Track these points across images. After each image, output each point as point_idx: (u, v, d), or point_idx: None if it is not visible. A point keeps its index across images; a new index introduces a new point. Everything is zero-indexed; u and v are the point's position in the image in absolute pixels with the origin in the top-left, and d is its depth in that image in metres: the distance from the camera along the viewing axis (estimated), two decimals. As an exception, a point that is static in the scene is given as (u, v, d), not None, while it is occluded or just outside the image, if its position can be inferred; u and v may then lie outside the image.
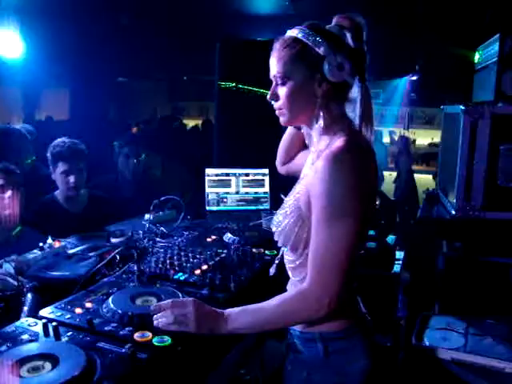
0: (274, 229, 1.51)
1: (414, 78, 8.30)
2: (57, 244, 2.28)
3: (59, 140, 2.92)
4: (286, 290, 1.55)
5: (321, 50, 1.35)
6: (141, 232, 2.53)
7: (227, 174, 3.16)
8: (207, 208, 3.11)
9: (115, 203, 3.21)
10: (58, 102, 9.78)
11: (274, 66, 1.43)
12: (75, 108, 9.06)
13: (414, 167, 7.75)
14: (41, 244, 2.20)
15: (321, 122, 1.40)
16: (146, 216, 2.72)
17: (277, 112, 1.48)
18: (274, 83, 1.45)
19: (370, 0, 4.53)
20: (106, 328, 1.41)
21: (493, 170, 2.49)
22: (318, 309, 1.33)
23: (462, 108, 2.51)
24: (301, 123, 1.51)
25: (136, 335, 1.37)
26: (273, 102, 1.47)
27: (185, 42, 6.88)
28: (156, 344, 1.34)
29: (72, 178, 2.85)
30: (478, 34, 3.04)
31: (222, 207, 3.13)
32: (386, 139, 10.14)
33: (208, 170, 3.16)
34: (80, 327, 1.41)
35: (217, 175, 3.15)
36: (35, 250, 2.16)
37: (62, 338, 1.35)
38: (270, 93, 1.46)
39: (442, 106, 3.22)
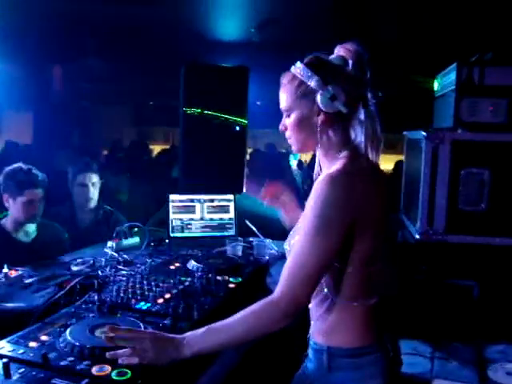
0: (287, 248, 1.55)
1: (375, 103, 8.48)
2: (13, 273, 2.19)
3: (16, 166, 2.78)
4: None
5: (312, 84, 1.44)
6: (103, 260, 2.47)
7: (192, 200, 3.12)
8: (171, 234, 3.06)
9: (64, 231, 3.10)
10: (21, 126, 9.59)
11: (281, 101, 1.54)
12: (39, 132, 8.88)
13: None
14: (-6, 273, 2.11)
15: (322, 151, 1.52)
16: (109, 243, 2.65)
17: (288, 141, 1.59)
18: (284, 115, 1.56)
19: (335, 28, 4.64)
20: (61, 363, 1.34)
21: (454, 195, 2.54)
22: (285, 317, 1.37)
23: (424, 134, 2.56)
24: (310, 150, 1.60)
25: (94, 369, 1.31)
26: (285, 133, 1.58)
27: (150, 66, 6.89)
28: (115, 378, 1.28)
29: (35, 209, 2.74)
30: (438, 62, 3.13)
31: (186, 233, 3.08)
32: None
33: (172, 196, 3.11)
34: (33, 363, 1.34)
35: (181, 201, 3.11)
36: (-10, 280, 2.07)
37: (12, 376, 1.27)
38: (280, 124, 1.57)
39: (404, 132, 3.28)
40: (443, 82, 2.95)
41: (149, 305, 1.79)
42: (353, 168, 1.43)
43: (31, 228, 2.88)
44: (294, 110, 1.50)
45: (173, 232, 3.06)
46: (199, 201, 3.11)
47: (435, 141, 2.53)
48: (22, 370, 1.31)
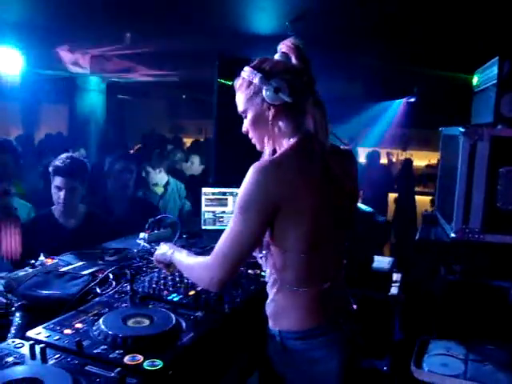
0: None
1: (412, 99, 8.35)
2: (49, 261, 2.24)
3: (63, 155, 2.90)
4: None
5: (256, 81, 1.54)
6: (135, 251, 2.50)
7: (224, 193, 3.13)
8: (203, 227, 3.08)
9: (111, 222, 3.17)
10: (58, 118, 9.80)
11: (237, 104, 1.64)
12: (73, 124, 9.06)
13: (412, 188, 7.74)
14: (32, 261, 2.16)
15: (277, 141, 1.60)
16: (141, 235, 2.68)
17: (252, 141, 1.67)
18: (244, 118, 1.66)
19: (370, 24, 4.58)
20: (95, 350, 1.37)
21: (492, 193, 2.46)
22: (209, 284, 1.57)
23: (461, 130, 2.49)
24: (272, 146, 1.64)
25: (126, 358, 1.33)
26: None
27: (185, 59, 6.92)
28: (147, 368, 1.29)
29: (62, 195, 2.82)
30: (476, 57, 3.04)
31: (218, 226, 3.09)
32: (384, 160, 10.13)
33: (205, 189, 3.13)
34: (68, 349, 1.37)
35: (213, 194, 3.12)
36: (27, 268, 2.12)
37: (48, 361, 1.30)
38: (243, 127, 1.66)
39: (440, 128, 3.21)
40: (483, 77, 2.86)
41: (180, 297, 1.81)
42: (289, 158, 1.51)
43: (78, 215, 2.96)
44: (249, 111, 1.60)
45: (205, 224, 3.08)
46: (231, 194, 3.12)
47: (474, 137, 2.45)
48: (58, 355, 1.34)
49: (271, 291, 1.62)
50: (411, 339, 2.65)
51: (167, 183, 4.80)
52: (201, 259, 1.64)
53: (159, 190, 4.76)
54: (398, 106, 9.35)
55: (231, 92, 1.66)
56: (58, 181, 2.82)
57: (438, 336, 2.50)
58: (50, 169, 2.86)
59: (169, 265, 1.83)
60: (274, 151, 1.63)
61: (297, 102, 1.54)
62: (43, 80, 7.99)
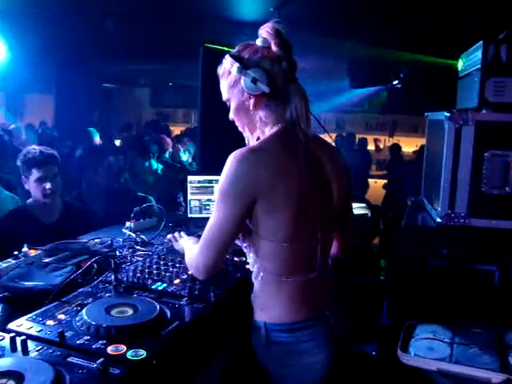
0: None
1: (398, 86, 8.34)
2: (32, 252, 2.20)
3: (29, 148, 2.82)
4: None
5: (234, 71, 1.53)
6: (120, 240, 2.47)
7: (210, 181, 3.10)
8: (189, 215, 3.06)
9: (90, 214, 3.11)
10: (43, 108, 9.68)
11: (222, 92, 1.63)
12: (60, 113, 8.95)
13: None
14: (15, 252, 2.12)
15: (260, 130, 1.59)
16: (127, 224, 2.66)
17: (239, 129, 1.66)
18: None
19: (353, 9, 4.54)
20: (78, 341, 1.35)
21: (477, 177, 2.47)
22: (195, 271, 1.60)
23: (446, 114, 2.49)
24: (255, 134, 1.63)
25: (109, 348, 1.31)
26: None
27: (169, 47, 6.85)
28: (130, 358, 1.28)
29: (48, 185, 2.75)
30: (460, 43, 3.03)
31: (204, 214, 3.07)
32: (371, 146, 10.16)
33: (190, 177, 3.10)
34: (50, 341, 1.35)
35: (199, 182, 3.10)
36: (9, 259, 2.09)
37: (30, 353, 1.28)
38: (229, 114, 1.64)
39: (425, 114, 3.20)
40: (468, 62, 2.86)
41: (165, 285, 1.79)
42: (269, 146, 1.50)
43: (55, 209, 2.89)
44: (231, 99, 1.59)
45: (191, 213, 3.06)
46: (217, 181, 3.09)
47: (459, 121, 2.45)
48: (40, 347, 1.32)
49: (256, 281, 1.60)
50: (399, 324, 2.66)
51: (156, 171, 4.77)
52: (193, 247, 1.65)
53: (149, 178, 4.73)
54: (383, 91, 9.34)
55: (216, 79, 1.64)
56: (38, 172, 2.74)
57: (424, 320, 2.51)
58: (23, 164, 2.77)
59: None
60: (258, 139, 1.61)
61: (276, 90, 1.52)
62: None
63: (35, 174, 2.74)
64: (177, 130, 9.72)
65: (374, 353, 2.93)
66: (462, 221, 2.52)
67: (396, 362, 2.29)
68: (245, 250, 1.64)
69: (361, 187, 6.31)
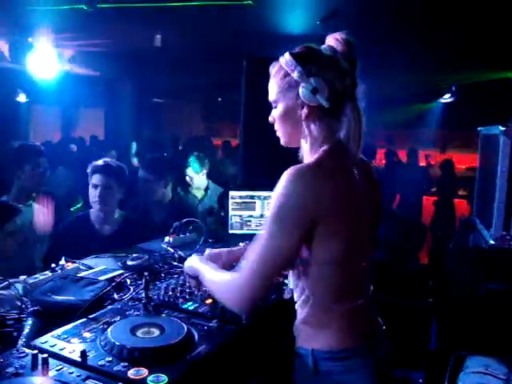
0: None
1: (450, 99, 8.09)
2: (69, 265, 2.20)
3: (102, 159, 2.97)
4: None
5: (295, 76, 1.40)
6: (158, 255, 2.44)
7: (252, 197, 3.04)
8: (230, 231, 3.00)
9: (148, 226, 3.15)
10: (94, 122, 9.99)
11: (269, 92, 1.51)
12: (110, 128, 9.21)
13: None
14: (53, 265, 2.12)
15: (306, 145, 1.47)
16: (166, 238, 2.63)
17: (277, 133, 1.54)
18: (272, 107, 1.53)
19: (403, 22, 4.42)
20: (99, 362, 1.30)
21: (535, 197, 2.30)
22: (237, 305, 1.43)
23: (501, 128, 2.34)
24: (296, 144, 1.53)
25: (130, 372, 1.25)
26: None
27: (218, 61, 6.90)
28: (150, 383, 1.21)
29: (97, 192, 2.84)
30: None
31: (245, 231, 3.00)
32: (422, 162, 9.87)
33: (232, 193, 3.05)
34: (72, 360, 1.30)
35: (241, 197, 3.04)
36: (46, 271, 2.09)
37: (49, 373, 1.24)
38: (270, 115, 1.53)
39: (479, 128, 3.04)
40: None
41: (196, 305, 1.73)
42: (326, 164, 1.39)
43: (115, 220, 2.97)
44: (280, 102, 1.47)
45: (231, 229, 3.00)
46: (259, 197, 3.02)
47: (515, 137, 2.30)
48: (60, 366, 1.28)
49: (303, 310, 1.48)
50: (447, 351, 2.50)
51: (207, 187, 4.76)
52: (228, 277, 1.48)
53: (200, 193, 4.71)
54: (435, 106, 9.08)
55: (260, 92, 1.57)
56: (94, 179, 2.87)
57: (476, 350, 2.34)
58: (89, 170, 2.91)
59: (200, 282, 1.67)
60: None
61: (334, 106, 1.40)
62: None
63: (92, 179, 2.88)
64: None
65: (420, 380, 2.78)
66: (517, 244, 2.35)
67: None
68: (290, 276, 1.53)
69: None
